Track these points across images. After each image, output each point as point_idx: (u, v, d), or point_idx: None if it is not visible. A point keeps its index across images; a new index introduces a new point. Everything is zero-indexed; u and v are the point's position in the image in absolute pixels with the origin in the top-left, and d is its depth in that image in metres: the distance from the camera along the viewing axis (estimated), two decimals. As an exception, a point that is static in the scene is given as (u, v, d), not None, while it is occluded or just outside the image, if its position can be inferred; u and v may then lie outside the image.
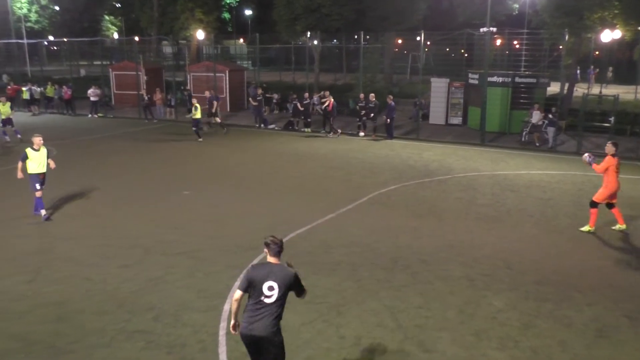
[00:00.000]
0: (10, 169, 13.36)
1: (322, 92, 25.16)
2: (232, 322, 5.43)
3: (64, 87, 30.25)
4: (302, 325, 7.47)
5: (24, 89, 31.16)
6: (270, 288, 5.15)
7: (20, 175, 12.02)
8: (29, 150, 11.93)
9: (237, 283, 5.76)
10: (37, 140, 11.95)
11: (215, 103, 24.10)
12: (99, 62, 41.74)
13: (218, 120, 23.90)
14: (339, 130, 23.11)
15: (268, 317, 5.14)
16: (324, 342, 7.08)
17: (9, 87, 32.82)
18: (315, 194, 14.17)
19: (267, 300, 5.15)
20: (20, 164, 11.97)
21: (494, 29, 29.13)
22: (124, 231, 11.29)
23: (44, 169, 12.05)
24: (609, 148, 11.24)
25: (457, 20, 40.29)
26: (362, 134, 22.91)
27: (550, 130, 20.64)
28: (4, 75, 36.77)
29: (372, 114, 22.58)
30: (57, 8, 63.61)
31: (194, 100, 21.90)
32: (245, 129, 25.23)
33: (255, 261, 9.25)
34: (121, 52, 45.90)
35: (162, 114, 28.54)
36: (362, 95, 23.23)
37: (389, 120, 22.20)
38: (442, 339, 7.17)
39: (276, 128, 24.80)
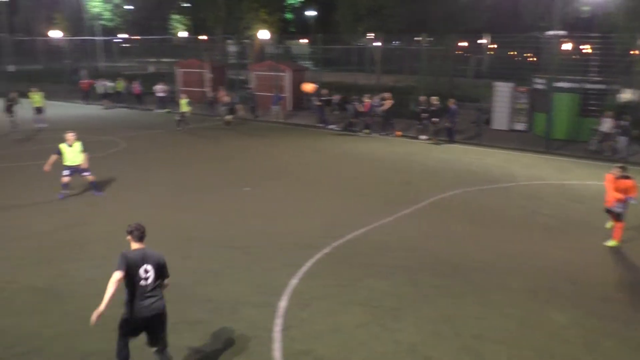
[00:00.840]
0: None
1: (382, 94, 24.99)
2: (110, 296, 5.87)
3: (134, 82, 31.39)
4: (357, 328, 7.42)
5: (97, 83, 32.58)
6: (146, 271, 5.79)
7: (47, 168, 12.79)
8: (62, 146, 12.78)
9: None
10: (70, 136, 12.82)
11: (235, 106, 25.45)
12: (166, 59, 43.12)
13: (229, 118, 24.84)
14: (367, 130, 23.51)
15: (160, 294, 5.98)
16: (378, 346, 7.00)
17: (83, 81, 34.42)
18: (373, 195, 14.07)
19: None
20: (53, 157, 12.77)
21: (562, 32, 28.02)
22: (186, 223, 11.57)
23: (78, 162, 12.90)
24: None
25: (524, 22, 39.07)
26: (422, 137, 22.59)
27: (622, 140, 19.64)
28: (83, 70, 38.53)
29: (433, 117, 22.23)
30: (130, 7, 66.20)
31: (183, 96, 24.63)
32: (305, 128, 25.39)
33: (307, 260, 9.30)
34: (188, 50, 47.19)
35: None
36: (423, 98, 22.91)
37: (450, 124, 21.79)
38: (500, 353, 6.93)
39: (336, 129, 24.82)
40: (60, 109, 31.60)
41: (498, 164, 18.33)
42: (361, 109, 23.91)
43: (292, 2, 58.96)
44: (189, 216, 12.16)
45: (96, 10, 62.13)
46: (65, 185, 13.07)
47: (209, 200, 13.47)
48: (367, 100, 23.95)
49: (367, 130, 23.77)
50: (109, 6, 64.21)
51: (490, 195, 14.39)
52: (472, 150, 20.60)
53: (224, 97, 26.14)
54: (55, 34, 63.54)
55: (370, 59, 30.29)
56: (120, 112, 30.79)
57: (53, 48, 55.67)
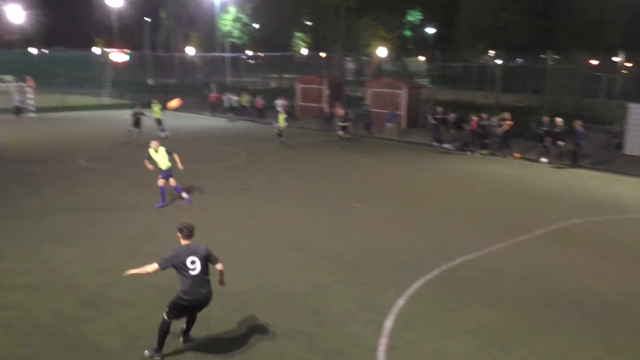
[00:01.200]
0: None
1: (502, 114, 24.02)
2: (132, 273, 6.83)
3: (257, 97, 32.90)
4: (465, 356, 7.14)
5: (223, 97, 34.62)
6: (193, 262, 6.61)
7: (150, 167, 14.15)
8: (150, 151, 13.93)
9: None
10: (154, 144, 14.03)
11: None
12: (288, 75, 44.80)
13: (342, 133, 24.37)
14: (485, 151, 22.61)
15: (208, 281, 6.79)
16: (486, 377, 6.67)
17: (212, 94, 36.74)
18: (487, 219, 13.52)
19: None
20: (146, 162, 14.17)
21: None
22: (297, 234, 11.86)
23: (166, 166, 13.89)
24: None
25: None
26: (543, 159, 21.37)
27: None
28: (212, 84, 41.12)
29: (557, 139, 20.95)
30: (256, 25, 69.83)
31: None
32: (419, 146, 25.07)
33: (415, 281, 9.12)
34: (308, 67, 48.73)
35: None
36: (546, 119, 21.70)
37: (575, 147, 20.41)
38: (625, 399, 6.32)
39: (451, 148, 24.25)
40: (188, 120, 33.94)
41: (629, 192, 16.83)
42: (470, 127, 23.25)
43: (412, 19, 58.72)
44: (300, 227, 12.45)
45: (227, 28, 66.30)
46: (162, 189, 14.07)
47: (320, 213, 13.71)
48: (474, 117, 23.19)
49: (484, 151, 22.95)
50: (238, 25, 68.29)
51: (617, 226, 13.23)
52: (598, 177, 19.13)
53: (340, 112, 26.61)
54: (190, 50, 68.61)
55: (490, 77, 29.24)
56: (242, 124, 32.40)
57: (187, 63, 60.10)
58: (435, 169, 19.94)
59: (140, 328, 7.66)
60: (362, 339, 7.48)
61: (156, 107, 26.38)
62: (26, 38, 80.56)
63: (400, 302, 8.62)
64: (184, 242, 6.80)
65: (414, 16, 58.22)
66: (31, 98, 34.59)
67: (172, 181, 14.06)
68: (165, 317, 6.81)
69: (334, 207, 14.26)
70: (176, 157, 14.12)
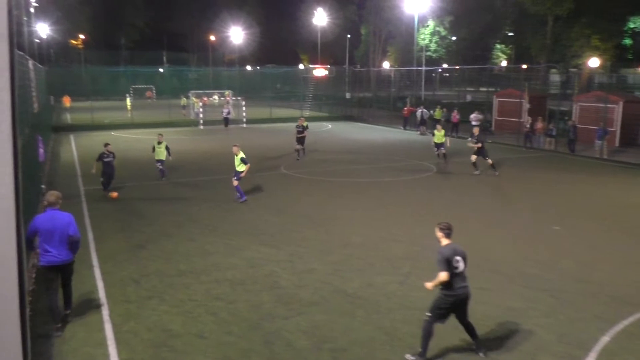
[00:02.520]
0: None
1: None
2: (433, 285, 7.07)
3: (454, 111, 32.29)
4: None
5: (417, 111, 34.74)
6: (457, 260, 6.99)
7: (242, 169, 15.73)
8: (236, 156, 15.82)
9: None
10: (235, 149, 15.79)
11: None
12: (484, 89, 43.30)
13: (489, 161, 20.14)
14: None
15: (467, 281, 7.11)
16: None
17: (405, 108, 37.13)
18: None
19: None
20: (247, 166, 15.70)
21: None
22: (488, 254, 11.35)
23: (240, 169, 15.69)
24: None
25: None
26: None
27: None
28: (406, 98, 41.59)
29: None
30: (454, 38, 68.81)
31: None
32: (635, 168, 22.26)
33: (624, 318, 8.07)
34: (507, 80, 46.53)
35: (541, 144, 27.64)
36: None
37: None
38: None
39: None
40: (380, 133, 34.75)
41: None
42: None
43: (634, 26, 52.35)
44: (491, 247, 11.90)
45: (424, 42, 66.52)
46: (238, 188, 15.90)
47: (512, 233, 12.95)
48: None
49: None
50: (435, 38, 68.04)
51: None
52: None
53: (541, 128, 24.85)
54: (386, 65, 70.32)
55: None
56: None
57: (383, 77, 61.67)
58: (654, 193, 17.51)
59: (328, 330, 8.02)
60: (558, 375, 6.86)
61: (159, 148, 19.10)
62: (243, 57, 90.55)
63: (605, 339, 7.72)
64: (445, 241, 7.16)
65: (636, 22, 51.86)
66: (244, 110, 38.70)
67: (235, 181, 15.85)
68: (429, 319, 7.09)
69: (528, 228, 13.35)
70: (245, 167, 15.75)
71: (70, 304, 8.29)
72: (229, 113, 36.70)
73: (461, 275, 7.03)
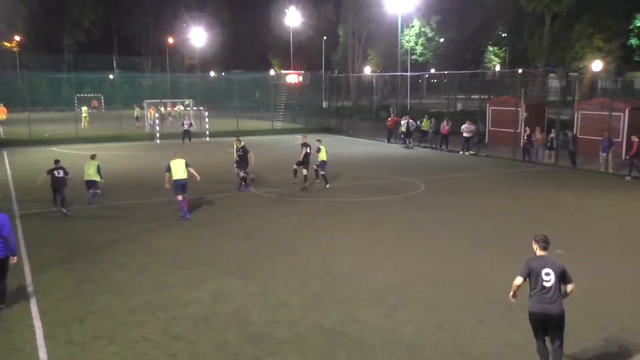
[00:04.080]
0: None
1: None
2: (512, 293, 7.87)
3: (444, 121, 32.77)
4: None
5: (402, 121, 35.07)
6: (547, 274, 7.45)
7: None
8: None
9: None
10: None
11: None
12: (476, 96, 43.99)
13: None
14: None
15: (559, 298, 7.49)
16: None
17: (389, 118, 37.47)
18: None
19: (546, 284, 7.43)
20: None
21: None
22: (484, 282, 11.44)
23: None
24: None
25: None
26: None
27: None
28: (390, 108, 41.92)
29: None
30: (442, 40, 69.96)
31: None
32: (643, 182, 22.79)
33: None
34: (502, 86, 47.40)
35: (540, 157, 28.11)
36: None
37: None
38: None
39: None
40: (361, 146, 34.98)
41: None
42: None
43: (640, 24, 53.89)
44: (487, 273, 12.00)
45: (409, 44, 67.51)
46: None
47: (512, 258, 13.06)
48: None
49: None
50: (421, 40, 69.07)
51: None
52: None
53: (540, 139, 25.32)
54: (367, 70, 71.05)
55: None
56: (422, 152, 32.49)
57: (364, 84, 62.31)
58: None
59: (303, 372, 7.96)
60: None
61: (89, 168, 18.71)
62: (205, 61, 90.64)
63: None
64: (540, 253, 7.76)
65: (643, 21, 53.34)
66: (207, 122, 38.63)
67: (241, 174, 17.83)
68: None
69: (528, 252, 13.47)
70: (192, 170, 16.75)
71: (3, 299, 9.99)
72: (190, 125, 36.55)
73: (545, 291, 7.45)
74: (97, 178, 18.08)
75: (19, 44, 79.04)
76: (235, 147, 20.76)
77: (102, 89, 69.73)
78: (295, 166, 21.16)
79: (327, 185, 21.14)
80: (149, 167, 26.31)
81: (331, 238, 14.69)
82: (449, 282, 11.54)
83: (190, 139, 35.81)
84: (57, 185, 17.01)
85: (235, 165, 20.80)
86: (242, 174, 20.52)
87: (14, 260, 10.09)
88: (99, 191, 18.35)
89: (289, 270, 12.21)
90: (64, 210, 17.06)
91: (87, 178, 18.02)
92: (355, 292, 10.95)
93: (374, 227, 15.82)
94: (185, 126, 36.28)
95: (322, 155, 21.30)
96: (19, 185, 21.77)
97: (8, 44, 78.29)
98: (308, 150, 21.02)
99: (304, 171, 20.95)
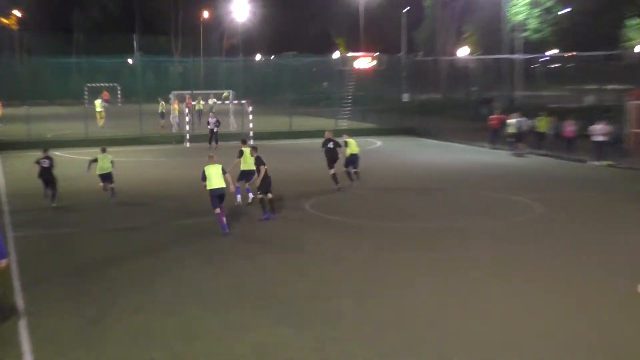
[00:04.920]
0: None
1: None
2: None
3: (566, 121, 31.95)
4: None
5: (511, 120, 34.34)
6: None
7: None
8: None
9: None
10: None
11: None
12: (613, 86, 42.79)
13: None
14: None
15: None
16: None
17: (493, 116, 36.79)
18: None
19: None
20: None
21: None
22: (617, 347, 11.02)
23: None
24: None
25: None
26: None
27: None
28: (494, 102, 41.28)
29: None
30: (564, 10, 68.34)
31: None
32: None
33: None
34: (647, 72, 45.96)
35: None
36: None
37: None
38: None
39: None
40: (456, 153, 34.57)
41: None
42: None
43: None
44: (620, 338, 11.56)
45: (519, 17, 66.38)
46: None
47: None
48: None
49: None
50: (536, 11, 67.72)
51: None
52: None
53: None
54: (463, 52, 70.28)
55: None
56: (538, 161, 31.87)
57: (458, 71, 61.72)
58: None
59: None
60: None
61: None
62: (249, 42, 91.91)
63: None
64: None
65: None
66: (250, 120, 38.98)
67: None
68: None
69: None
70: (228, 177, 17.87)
71: None
72: (217, 124, 37.08)
73: None
74: (111, 170, 21.29)
75: (18, 21, 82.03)
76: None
77: (120, 77, 71.39)
78: (331, 171, 23.46)
79: (355, 183, 23.77)
80: (174, 177, 26.78)
81: (411, 277, 14.49)
82: (569, 340, 11.15)
83: (217, 142, 36.33)
84: (44, 176, 20.14)
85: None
86: (260, 194, 19.53)
87: (2, 263, 11.45)
88: (113, 185, 21.50)
89: (354, 318, 12.09)
90: (53, 205, 20.29)
91: (103, 172, 21.11)
92: (444, 349, 10.69)
93: (471, 263, 15.48)
94: (211, 125, 36.84)
95: (353, 148, 23.28)
96: (14, 199, 22.48)
97: (5, 21, 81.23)
98: (331, 146, 23.52)
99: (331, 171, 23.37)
